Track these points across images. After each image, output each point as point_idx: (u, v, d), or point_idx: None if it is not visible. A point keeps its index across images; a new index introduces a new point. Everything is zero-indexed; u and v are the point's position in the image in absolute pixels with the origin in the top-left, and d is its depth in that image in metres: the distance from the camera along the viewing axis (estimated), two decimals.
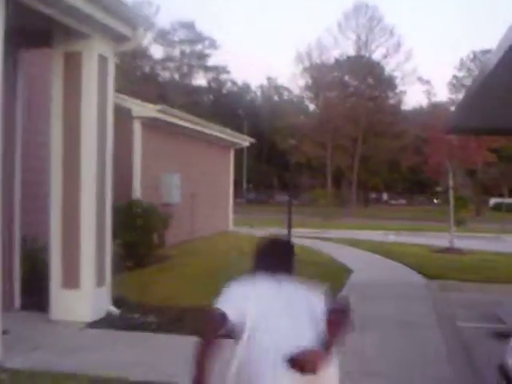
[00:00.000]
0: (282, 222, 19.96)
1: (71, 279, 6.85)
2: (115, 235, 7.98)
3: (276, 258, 2.80)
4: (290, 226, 17.84)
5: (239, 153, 23.32)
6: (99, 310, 6.98)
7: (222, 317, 2.46)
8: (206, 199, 16.81)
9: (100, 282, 7.04)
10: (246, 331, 2.48)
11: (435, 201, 39.60)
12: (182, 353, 6.02)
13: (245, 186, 59.06)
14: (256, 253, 2.85)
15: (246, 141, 21.63)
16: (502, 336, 6.13)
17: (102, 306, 7.05)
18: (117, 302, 7.33)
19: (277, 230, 21.08)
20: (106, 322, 6.81)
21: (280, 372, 2.39)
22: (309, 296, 2.67)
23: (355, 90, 60.26)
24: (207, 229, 16.87)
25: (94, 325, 6.70)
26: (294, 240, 18.30)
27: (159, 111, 13.13)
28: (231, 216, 20.61)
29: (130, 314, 7.15)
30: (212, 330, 2.48)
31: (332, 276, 11.24)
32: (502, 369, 4.15)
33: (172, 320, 7.06)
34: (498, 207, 54.76)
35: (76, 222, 6.85)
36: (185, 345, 6.24)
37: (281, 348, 2.39)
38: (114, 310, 7.16)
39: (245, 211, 26.68)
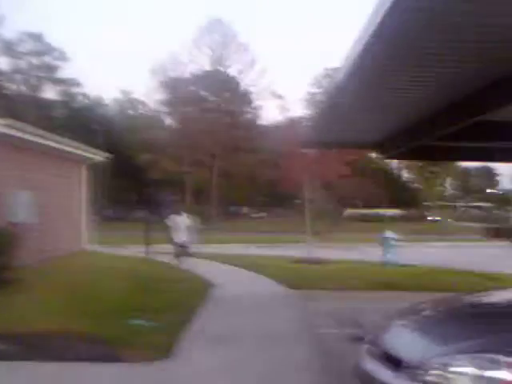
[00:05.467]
0: (141, 239, 19.41)
1: None
2: None
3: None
4: (148, 243, 17.49)
5: (96, 168, 22.28)
6: None
7: None
8: (56, 217, 15.82)
9: None
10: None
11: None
12: (34, 380, 5.48)
13: (100, 202, 57.03)
14: None
15: (98, 155, 20.73)
16: (360, 339, 6.28)
17: None
18: None
19: (134, 248, 20.44)
20: None
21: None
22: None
23: (212, 104, 60.78)
24: (59, 249, 15.85)
25: None
26: (154, 257, 17.88)
27: (6, 126, 12.16)
28: (85, 234, 19.63)
29: None
30: None
31: (193, 293, 10.99)
32: (356, 369, 4.43)
33: (25, 346, 6.42)
34: (352, 218, 58.34)
35: None
36: (36, 371, 5.68)
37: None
38: None
39: (103, 229, 25.79)
